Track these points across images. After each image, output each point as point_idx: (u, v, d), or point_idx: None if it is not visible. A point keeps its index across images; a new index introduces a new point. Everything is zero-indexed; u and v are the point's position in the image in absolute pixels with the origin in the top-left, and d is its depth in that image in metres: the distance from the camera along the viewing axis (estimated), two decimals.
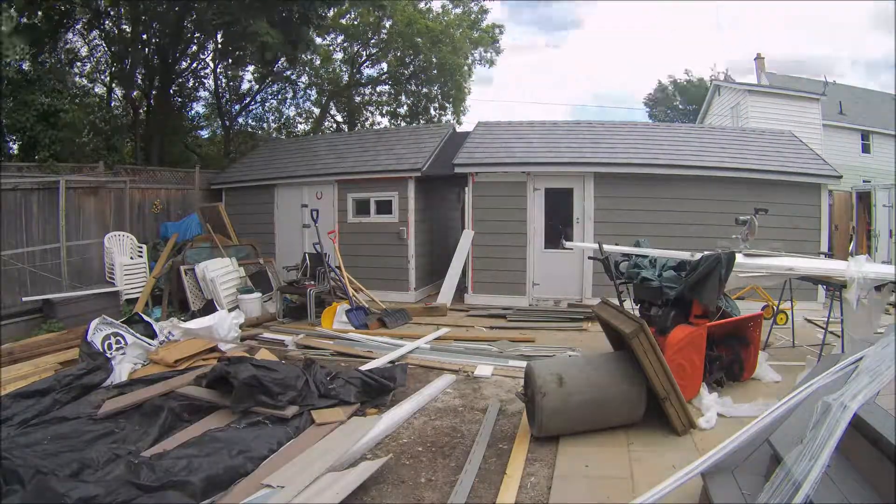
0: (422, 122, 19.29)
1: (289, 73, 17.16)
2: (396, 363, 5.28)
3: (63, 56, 12.63)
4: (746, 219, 5.59)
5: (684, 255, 4.87)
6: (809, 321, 6.81)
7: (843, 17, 45.72)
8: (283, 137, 18.29)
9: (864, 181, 14.85)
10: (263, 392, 3.87)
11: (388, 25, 17.89)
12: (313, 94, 19.94)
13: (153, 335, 5.95)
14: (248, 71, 16.80)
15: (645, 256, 5.32)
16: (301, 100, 19.94)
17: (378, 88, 20.46)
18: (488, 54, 19.86)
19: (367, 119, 20.55)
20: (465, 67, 19.39)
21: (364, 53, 19.32)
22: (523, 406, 3.93)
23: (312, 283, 7.78)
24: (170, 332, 6.00)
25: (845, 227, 11.32)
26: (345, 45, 19.05)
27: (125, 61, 13.15)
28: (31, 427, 3.80)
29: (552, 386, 3.54)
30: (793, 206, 7.98)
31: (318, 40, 15.74)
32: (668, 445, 3.49)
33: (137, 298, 7.78)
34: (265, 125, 19.61)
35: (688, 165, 8.31)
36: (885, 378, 2.22)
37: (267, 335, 6.84)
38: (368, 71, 20.11)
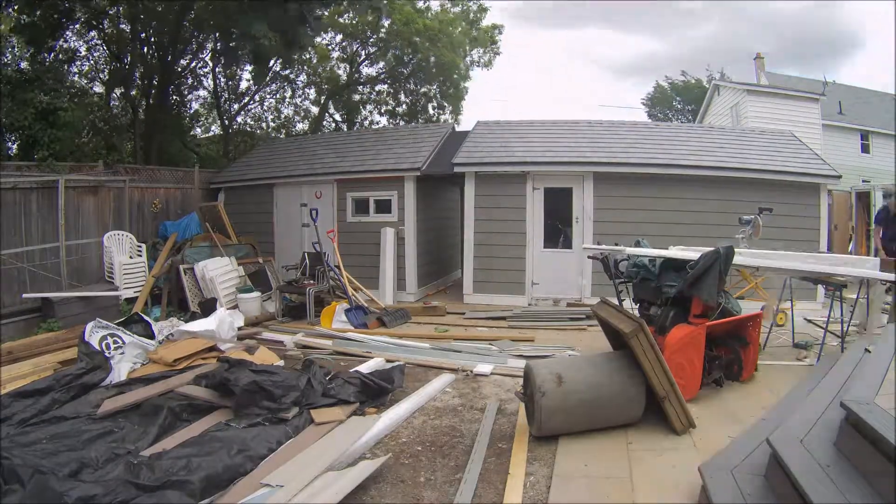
0: (420, 121, 19.28)
1: (287, 72, 17.13)
2: (394, 364, 5.27)
3: (62, 55, 12.60)
4: (750, 218, 5.56)
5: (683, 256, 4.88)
6: (809, 321, 6.80)
7: None
8: (282, 137, 18.27)
9: (863, 181, 14.87)
10: (266, 397, 3.86)
11: (386, 24, 17.88)
12: (312, 93, 19.95)
13: (152, 335, 5.93)
14: (246, 70, 16.82)
15: (645, 256, 5.33)
16: (300, 99, 19.96)
17: (377, 87, 20.45)
18: (487, 55, 19.87)
19: (365, 118, 20.54)
20: (464, 68, 19.36)
21: (362, 52, 19.31)
22: (523, 405, 3.93)
23: (312, 282, 7.77)
24: (170, 334, 5.98)
25: (845, 226, 11.34)
26: (343, 44, 19.04)
27: (124, 60, 13.13)
28: (31, 426, 3.79)
29: (551, 385, 3.53)
30: (792, 206, 7.99)
31: (316, 39, 15.70)
32: (667, 445, 3.49)
33: (137, 298, 7.76)
34: (264, 124, 19.62)
35: (687, 165, 8.30)
36: None
37: (266, 334, 6.84)
38: (367, 70, 20.12)
